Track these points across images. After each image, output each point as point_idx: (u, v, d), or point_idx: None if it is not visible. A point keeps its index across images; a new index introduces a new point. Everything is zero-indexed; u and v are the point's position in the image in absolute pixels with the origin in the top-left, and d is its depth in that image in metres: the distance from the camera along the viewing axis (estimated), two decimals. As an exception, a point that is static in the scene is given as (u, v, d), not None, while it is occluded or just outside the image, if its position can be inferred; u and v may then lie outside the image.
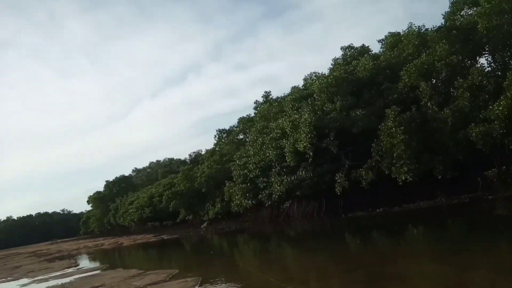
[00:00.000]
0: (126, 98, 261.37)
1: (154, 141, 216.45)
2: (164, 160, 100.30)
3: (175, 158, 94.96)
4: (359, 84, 32.65)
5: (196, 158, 74.23)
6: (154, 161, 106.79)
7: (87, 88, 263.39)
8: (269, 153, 35.43)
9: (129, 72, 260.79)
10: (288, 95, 43.84)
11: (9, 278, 25.82)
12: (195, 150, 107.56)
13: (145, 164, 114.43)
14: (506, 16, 26.06)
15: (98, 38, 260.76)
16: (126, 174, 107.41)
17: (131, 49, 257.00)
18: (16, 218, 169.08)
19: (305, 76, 42.96)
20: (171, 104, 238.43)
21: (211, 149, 62.74)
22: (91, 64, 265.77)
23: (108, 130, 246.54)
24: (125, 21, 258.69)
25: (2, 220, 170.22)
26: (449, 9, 31.94)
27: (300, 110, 34.50)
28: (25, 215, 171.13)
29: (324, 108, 32.33)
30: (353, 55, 39.58)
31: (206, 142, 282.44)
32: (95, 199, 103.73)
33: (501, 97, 22.82)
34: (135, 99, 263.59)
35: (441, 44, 27.79)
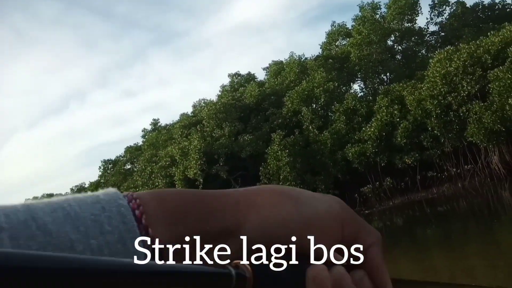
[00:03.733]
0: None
1: (31, 176, 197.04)
2: (43, 196, 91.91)
3: (55, 194, 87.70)
4: (247, 110, 33.48)
5: (79, 192, 68.95)
6: (31, 198, 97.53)
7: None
8: (158, 182, 34.25)
9: (0, 102, 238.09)
10: (177, 122, 43.18)
11: None
12: (77, 183, 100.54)
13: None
14: (375, 46, 28.99)
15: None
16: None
17: (4, 77, 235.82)
18: None
19: (194, 102, 42.89)
20: (51, 134, 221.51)
21: (95, 181, 58.92)
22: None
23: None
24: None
25: None
26: (325, 40, 34.62)
27: (189, 137, 34.16)
28: None
29: (213, 134, 32.46)
30: (240, 82, 40.60)
31: (91, 175, 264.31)
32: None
33: (372, 119, 25.09)
34: (8, 131, 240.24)
35: (319, 72, 29.80)
